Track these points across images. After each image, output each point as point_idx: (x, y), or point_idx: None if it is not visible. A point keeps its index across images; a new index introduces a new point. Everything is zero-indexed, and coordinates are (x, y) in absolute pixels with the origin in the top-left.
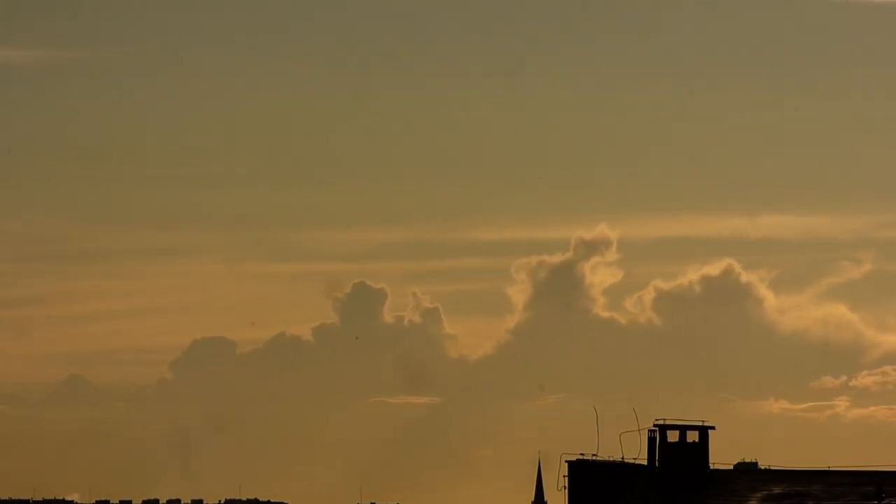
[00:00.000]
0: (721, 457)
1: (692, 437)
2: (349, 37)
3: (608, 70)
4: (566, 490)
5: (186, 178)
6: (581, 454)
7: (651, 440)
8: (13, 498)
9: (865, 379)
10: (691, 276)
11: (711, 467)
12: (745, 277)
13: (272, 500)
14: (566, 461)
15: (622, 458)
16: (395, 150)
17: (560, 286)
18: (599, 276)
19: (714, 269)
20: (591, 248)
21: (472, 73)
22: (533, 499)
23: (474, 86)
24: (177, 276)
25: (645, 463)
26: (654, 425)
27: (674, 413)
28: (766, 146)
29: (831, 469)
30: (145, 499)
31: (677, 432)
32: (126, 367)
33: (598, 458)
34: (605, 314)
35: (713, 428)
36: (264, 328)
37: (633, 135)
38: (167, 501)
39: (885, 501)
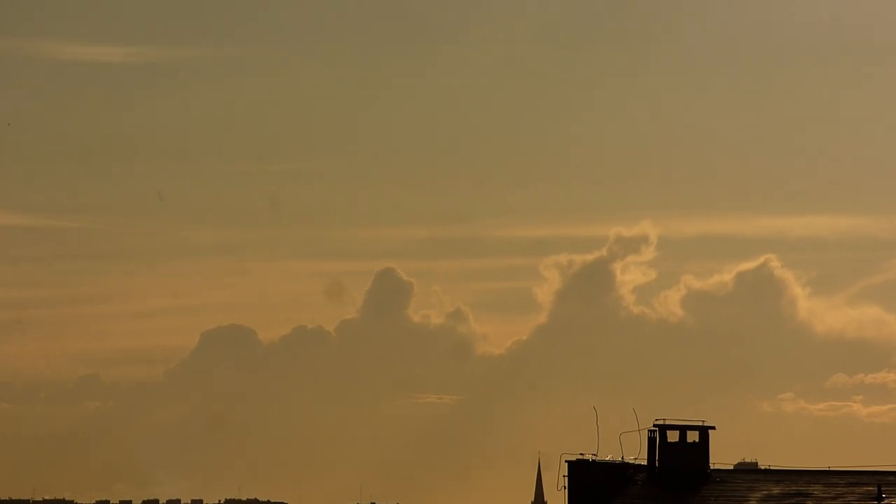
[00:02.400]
0: (723, 456)
1: (692, 437)
2: (386, 39)
3: (654, 70)
4: (566, 490)
5: (218, 176)
6: (581, 454)
7: (651, 440)
8: (13, 498)
9: (886, 377)
10: (726, 274)
11: (711, 467)
12: (780, 276)
13: (272, 500)
14: (566, 461)
15: (622, 458)
16: (429, 147)
17: (590, 284)
18: (631, 273)
19: (749, 268)
20: (629, 245)
21: (508, 73)
22: (533, 499)
23: (513, 85)
24: (205, 275)
25: (645, 463)
26: (654, 425)
27: (688, 411)
28: (811, 147)
29: (831, 469)
30: (145, 499)
31: (677, 432)
32: (138, 365)
33: (598, 458)
34: (633, 312)
35: (713, 428)
36: (281, 325)
37: (679, 134)
38: (167, 501)
39: (885, 501)
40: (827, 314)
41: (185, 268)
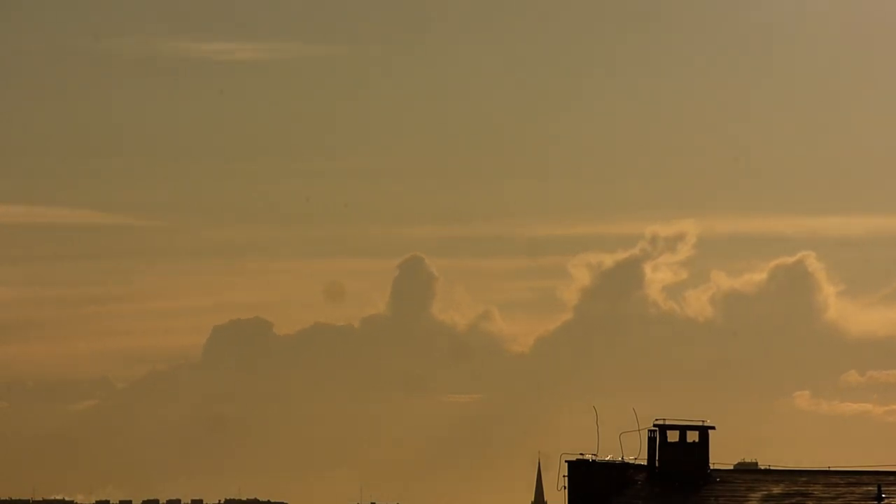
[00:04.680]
0: (723, 457)
1: (692, 437)
2: (404, 39)
3: (699, 69)
4: (566, 490)
5: (252, 174)
6: (581, 454)
7: (651, 440)
8: (13, 498)
9: None
10: (757, 274)
11: (711, 467)
12: (813, 276)
13: (272, 500)
14: (566, 461)
15: (622, 458)
16: (475, 145)
17: (617, 283)
18: (662, 272)
19: (781, 267)
20: (665, 244)
21: (545, 68)
22: (533, 499)
23: (553, 81)
24: (225, 273)
25: (645, 463)
26: (654, 425)
27: (706, 410)
28: (852, 148)
29: (831, 469)
30: (145, 499)
31: (677, 432)
32: (144, 364)
33: (598, 458)
34: (660, 311)
35: (713, 428)
36: (295, 324)
37: (723, 133)
38: (167, 501)
39: (886, 502)
40: (858, 314)
41: (208, 266)
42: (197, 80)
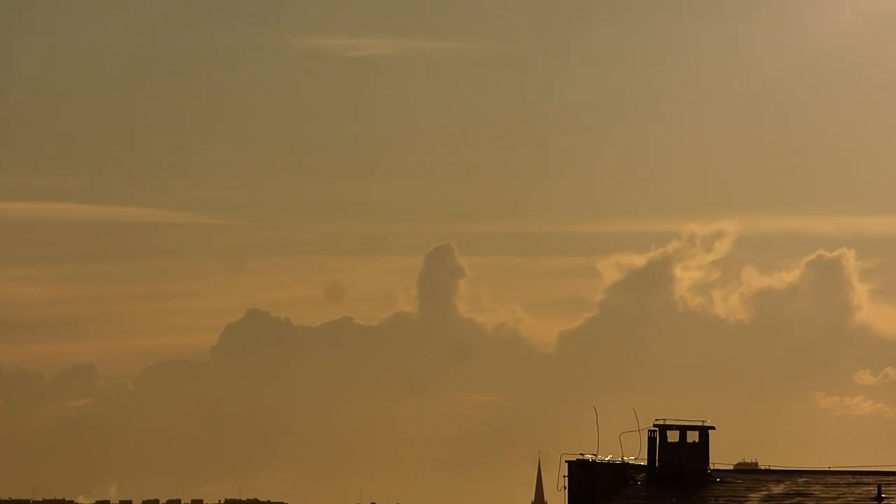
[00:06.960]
0: (723, 457)
1: (692, 437)
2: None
3: (741, 67)
4: (566, 490)
5: (283, 171)
6: (581, 454)
7: (651, 440)
8: (13, 498)
9: None
10: (786, 273)
11: (712, 467)
12: (846, 276)
13: (272, 501)
14: (566, 461)
15: (622, 458)
16: (514, 143)
17: (646, 282)
18: (692, 272)
19: (814, 267)
20: (700, 243)
21: (581, 69)
22: (533, 499)
23: (584, 81)
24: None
25: (645, 463)
26: (654, 425)
27: (721, 409)
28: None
29: (831, 469)
30: (145, 499)
31: (677, 432)
32: (147, 363)
33: (598, 458)
34: (686, 309)
35: (713, 428)
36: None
37: (764, 133)
38: (167, 501)
39: (885, 502)
40: (891, 313)
41: (227, 265)
42: (215, 76)
